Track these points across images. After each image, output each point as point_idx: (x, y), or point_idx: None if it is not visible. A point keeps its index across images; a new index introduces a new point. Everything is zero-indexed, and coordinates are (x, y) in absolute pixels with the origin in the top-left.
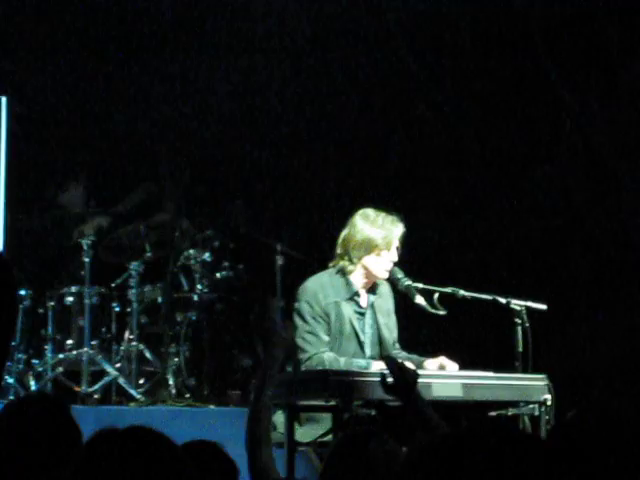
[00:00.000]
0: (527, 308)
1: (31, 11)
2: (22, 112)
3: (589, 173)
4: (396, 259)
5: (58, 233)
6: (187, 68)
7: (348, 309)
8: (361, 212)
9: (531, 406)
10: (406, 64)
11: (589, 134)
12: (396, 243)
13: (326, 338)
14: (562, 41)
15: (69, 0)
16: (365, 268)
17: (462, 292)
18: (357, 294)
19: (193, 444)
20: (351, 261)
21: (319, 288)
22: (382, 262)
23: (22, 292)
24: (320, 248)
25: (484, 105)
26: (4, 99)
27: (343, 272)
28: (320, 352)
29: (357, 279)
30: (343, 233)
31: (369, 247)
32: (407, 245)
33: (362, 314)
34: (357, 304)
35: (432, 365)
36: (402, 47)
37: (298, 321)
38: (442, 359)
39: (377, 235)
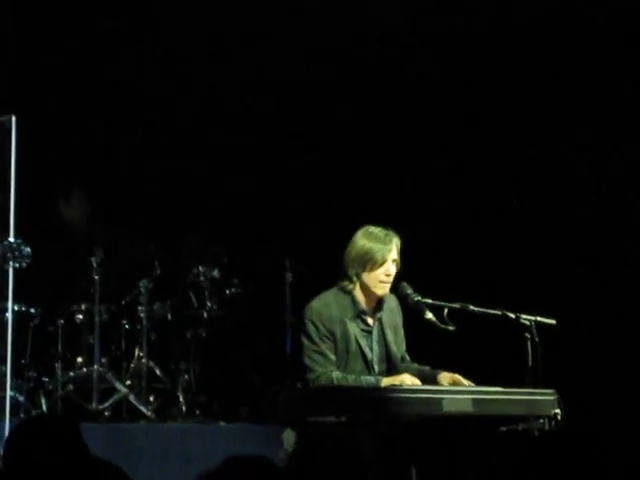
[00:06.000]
0: (536, 323)
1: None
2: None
3: (597, 192)
4: (392, 273)
5: (65, 251)
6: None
7: (354, 327)
8: (364, 229)
9: (541, 420)
10: (411, 85)
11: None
12: (391, 257)
13: (333, 357)
14: (578, 78)
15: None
16: (363, 284)
17: (471, 307)
18: (363, 312)
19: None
20: (350, 279)
21: (324, 308)
22: (377, 277)
23: (32, 310)
24: (330, 264)
25: (498, 131)
26: (14, 118)
27: (345, 290)
28: (328, 371)
29: (360, 296)
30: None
31: (362, 262)
32: (415, 261)
33: (369, 332)
34: (364, 322)
35: (445, 379)
36: (407, 65)
37: (305, 341)
38: (456, 376)
39: (370, 250)
